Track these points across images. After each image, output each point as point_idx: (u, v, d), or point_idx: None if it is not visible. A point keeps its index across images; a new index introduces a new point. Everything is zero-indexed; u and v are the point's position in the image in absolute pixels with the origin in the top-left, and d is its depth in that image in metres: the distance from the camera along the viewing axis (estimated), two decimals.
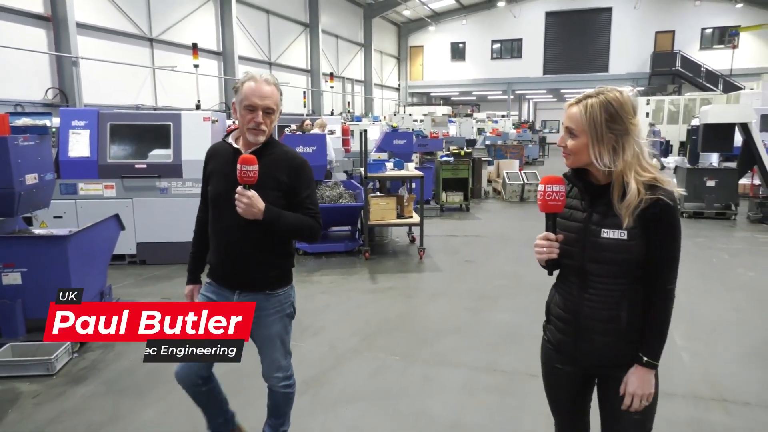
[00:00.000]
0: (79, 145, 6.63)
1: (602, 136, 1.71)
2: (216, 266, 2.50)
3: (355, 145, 11.36)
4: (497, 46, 33.92)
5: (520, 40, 33.03)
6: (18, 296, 4.14)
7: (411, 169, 7.97)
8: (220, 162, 2.43)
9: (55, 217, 6.50)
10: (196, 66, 13.72)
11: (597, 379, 1.93)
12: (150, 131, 6.97)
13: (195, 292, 2.61)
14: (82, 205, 6.65)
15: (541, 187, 1.80)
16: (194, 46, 13.62)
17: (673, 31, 29.85)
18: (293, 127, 9.07)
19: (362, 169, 7.17)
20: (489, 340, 4.45)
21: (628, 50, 30.23)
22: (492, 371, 3.91)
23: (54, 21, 13.09)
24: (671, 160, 16.97)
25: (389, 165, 7.57)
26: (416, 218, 7.23)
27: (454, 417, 3.32)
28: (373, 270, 6.64)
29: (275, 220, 2.31)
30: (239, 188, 2.23)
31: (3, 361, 3.91)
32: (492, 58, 34.15)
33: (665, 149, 21.11)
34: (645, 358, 1.75)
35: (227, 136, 2.49)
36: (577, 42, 31.81)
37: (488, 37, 33.88)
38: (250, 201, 2.22)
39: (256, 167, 2.19)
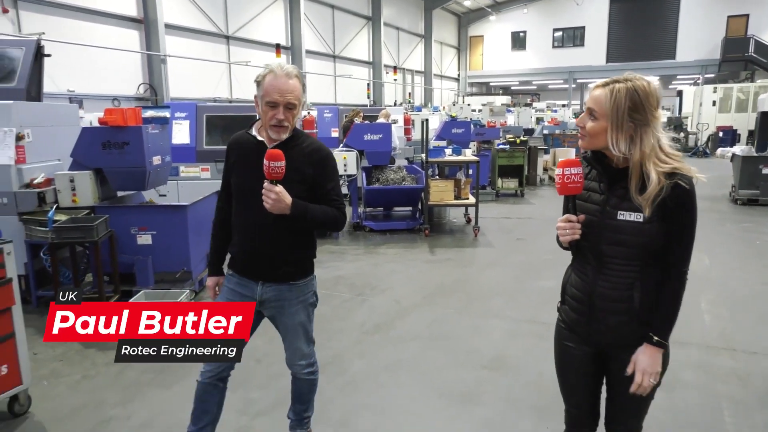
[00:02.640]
0: (180, 133, 7.76)
1: (622, 123, 1.70)
2: (239, 258, 2.48)
3: (415, 134, 12.14)
4: (559, 34, 33.64)
5: (583, 28, 32.61)
6: (149, 253, 5.18)
7: (468, 155, 8.65)
8: (244, 153, 2.40)
9: (160, 195, 7.64)
10: None
11: (608, 361, 1.95)
12: (239, 121, 7.97)
13: (219, 284, 2.59)
14: (182, 185, 7.78)
15: (558, 171, 1.82)
16: (277, 45, 14.61)
17: (747, 15, 28.67)
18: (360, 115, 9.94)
19: (423, 155, 7.94)
20: (532, 301, 5.15)
21: (697, 36, 29.30)
22: (533, 322, 4.63)
23: (145, 23, 14.55)
24: (736, 149, 16.76)
25: (448, 151, 8.30)
26: (472, 200, 7.93)
27: (497, 353, 4.07)
28: (432, 245, 7.42)
29: (303, 214, 2.29)
30: (266, 184, 2.20)
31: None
32: (553, 46, 33.90)
33: (732, 138, 20.69)
34: (655, 338, 1.78)
35: (251, 127, 2.45)
36: (642, 29, 31.09)
37: (550, 26, 33.65)
38: (278, 197, 2.19)
39: (283, 163, 2.16)
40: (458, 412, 3.27)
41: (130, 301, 4.86)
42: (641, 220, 1.73)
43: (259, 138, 2.37)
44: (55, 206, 4.94)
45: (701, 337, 4.28)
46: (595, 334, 1.90)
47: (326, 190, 2.42)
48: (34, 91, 5.58)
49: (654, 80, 1.74)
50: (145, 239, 5.18)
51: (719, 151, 20.05)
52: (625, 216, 1.76)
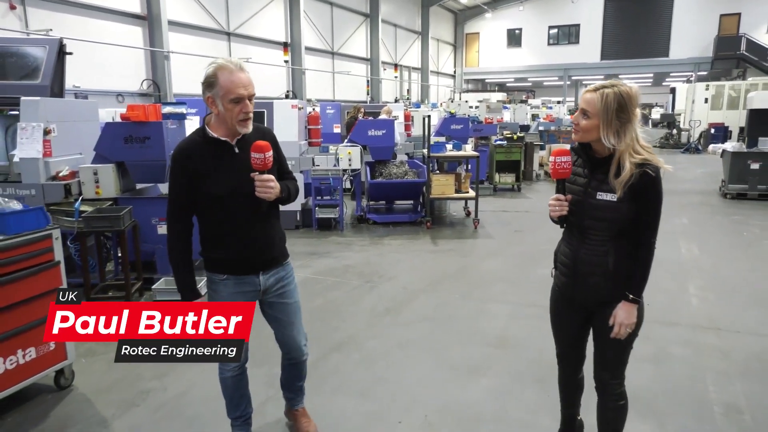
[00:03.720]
0: (191, 129, 8.01)
1: (611, 121, 2.08)
2: (235, 259, 2.48)
3: (415, 130, 12.44)
4: (554, 31, 34.01)
5: (578, 25, 32.99)
6: None
7: (468, 150, 8.95)
8: (211, 159, 2.36)
9: None
10: (286, 61, 14.92)
11: (593, 316, 2.35)
12: None
13: None
14: None
15: (551, 159, 2.23)
16: (285, 44, 14.76)
17: (739, 14, 29.14)
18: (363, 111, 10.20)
19: (424, 150, 8.24)
20: (532, 287, 5.46)
21: (690, 34, 29.75)
22: (532, 306, 4.93)
23: (149, 19, 14.76)
24: (728, 146, 17.07)
25: (449, 146, 8.60)
26: (472, 193, 8.23)
27: (500, 333, 4.39)
28: (434, 237, 7.73)
29: (288, 193, 2.47)
30: (260, 175, 2.28)
31: (160, 289, 5.25)
32: (549, 44, 34.27)
33: (724, 135, 21.06)
34: (630, 295, 2.18)
35: (202, 130, 2.40)
36: (636, 26, 31.49)
37: (545, 23, 34.01)
38: (275, 184, 2.31)
39: (272, 152, 2.28)
40: (467, 382, 3.58)
41: (153, 287, 5.18)
42: (614, 200, 2.12)
43: (222, 138, 2.37)
44: (80, 198, 5.21)
45: (689, 318, 4.60)
46: (579, 293, 2.33)
47: (285, 166, 2.62)
48: (56, 87, 5.82)
49: (634, 85, 2.14)
50: (165, 229, 5.43)
51: (711, 147, 20.35)
52: (602, 196, 2.16)
